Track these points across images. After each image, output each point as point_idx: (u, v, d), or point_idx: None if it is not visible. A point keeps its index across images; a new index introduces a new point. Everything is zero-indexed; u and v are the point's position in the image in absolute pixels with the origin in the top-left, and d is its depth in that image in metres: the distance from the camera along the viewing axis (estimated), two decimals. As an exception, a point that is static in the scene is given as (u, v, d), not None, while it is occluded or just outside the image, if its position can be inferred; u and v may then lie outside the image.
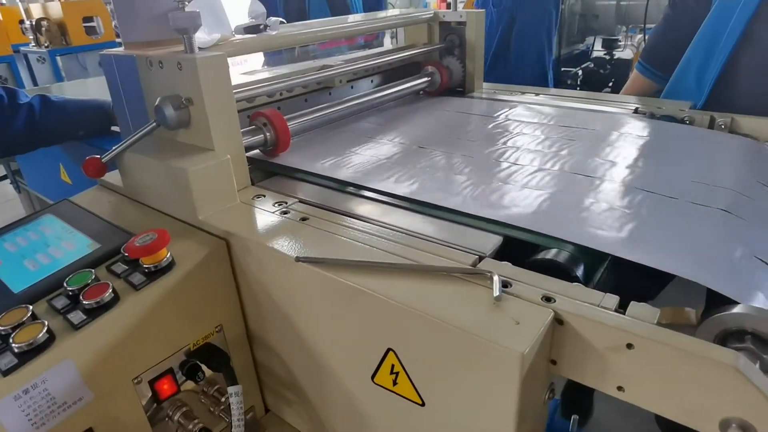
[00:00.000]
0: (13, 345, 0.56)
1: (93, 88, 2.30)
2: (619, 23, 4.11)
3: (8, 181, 2.36)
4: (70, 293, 0.64)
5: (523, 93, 1.43)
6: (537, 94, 1.41)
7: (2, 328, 0.58)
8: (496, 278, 0.54)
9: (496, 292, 0.52)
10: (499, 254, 0.65)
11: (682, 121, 1.15)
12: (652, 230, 0.66)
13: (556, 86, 2.88)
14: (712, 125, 1.12)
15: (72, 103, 1.38)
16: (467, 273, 0.57)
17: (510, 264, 0.59)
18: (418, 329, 0.53)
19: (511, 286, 0.55)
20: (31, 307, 0.61)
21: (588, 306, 0.51)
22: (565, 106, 1.27)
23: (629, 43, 4.30)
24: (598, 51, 4.16)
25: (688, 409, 0.48)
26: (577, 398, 2.07)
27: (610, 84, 3.89)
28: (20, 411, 0.55)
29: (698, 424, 0.47)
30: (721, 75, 1.16)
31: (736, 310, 0.53)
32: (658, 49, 1.48)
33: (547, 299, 0.53)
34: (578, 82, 3.70)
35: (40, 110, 1.30)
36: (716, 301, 0.55)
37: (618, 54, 4.05)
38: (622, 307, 0.52)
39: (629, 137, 1.01)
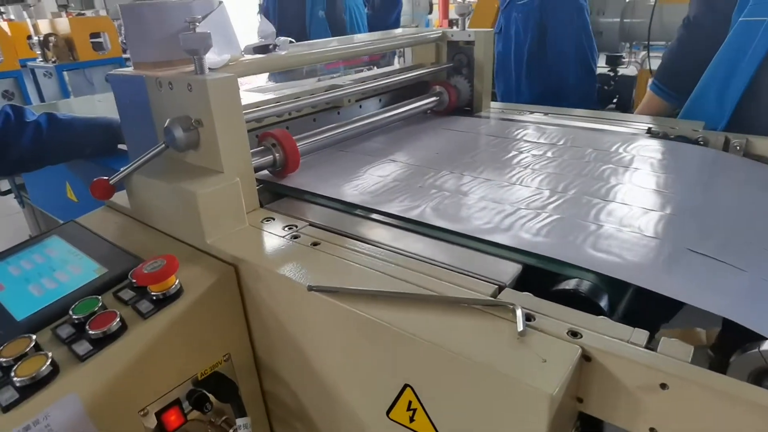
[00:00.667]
0: (15, 379, 0.54)
1: (100, 105, 2.30)
2: (623, 40, 4.12)
3: (12, 195, 2.36)
4: (76, 322, 0.62)
5: (532, 112, 1.42)
6: (546, 114, 1.39)
7: (4, 360, 0.56)
8: (519, 312, 0.52)
9: (520, 327, 0.50)
10: (518, 281, 0.63)
11: (696, 142, 1.13)
12: (679, 260, 0.64)
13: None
14: (726, 146, 1.10)
15: (79, 121, 1.37)
16: (488, 305, 0.55)
17: (531, 295, 0.57)
18: (439, 365, 0.51)
19: (534, 319, 0.53)
20: (34, 337, 0.59)
21: (617, 342, 0.49)
22: (578, 126, 1.25)
23: (633, 59, 4.32)
24: (602, 68, 4.17)
25: (726, 454, 0.45)
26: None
27: (615, 100, 3.89)
28: (21, 448, 0.53)
29: (737, 471, 0.45)
30: (744, 95, 1.14)
31: (773, 346, 0.51)
32: (672, 69, 1.46)
33: (574, 334, 0.50)
34: (583, 100, 3.70)
35: (47, 128, 1.29)
36: (732, 326, 0.53)
37: (622, 71, 4.06)
38: (652, 343, 0.50)
39: (645, 159, 1.00)
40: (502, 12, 2.36)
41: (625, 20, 3.97)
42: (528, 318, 0.53)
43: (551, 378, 0.45)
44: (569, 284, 0.60)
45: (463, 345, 0.49)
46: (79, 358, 0.58)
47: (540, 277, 0.65)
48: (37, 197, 1.86)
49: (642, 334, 0.50)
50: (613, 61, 4.14)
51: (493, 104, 1.49)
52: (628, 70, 4.18)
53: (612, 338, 0.50)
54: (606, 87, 4.16)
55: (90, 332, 0.59)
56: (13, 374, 0.54)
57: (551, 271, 0.64)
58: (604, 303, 0.59)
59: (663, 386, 0.46)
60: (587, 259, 0.63)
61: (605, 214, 0.76)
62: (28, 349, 0.57)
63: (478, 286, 0.59)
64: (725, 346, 0.58)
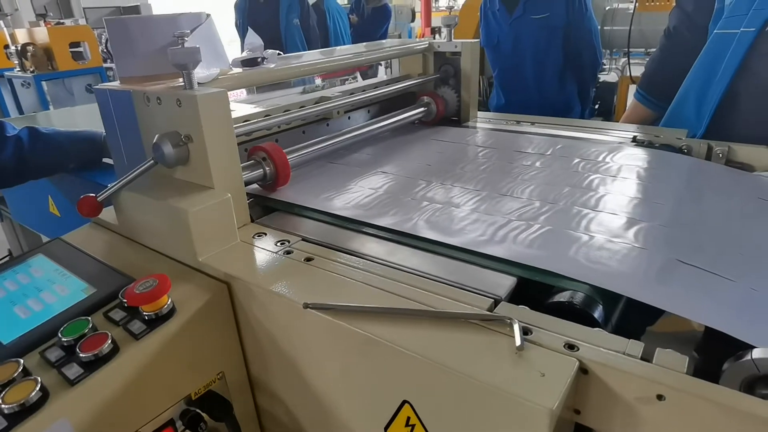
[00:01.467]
0: (3, 406, 0.52)
1: (80, 117, 2.26)
2: (604, 47, 4.20)
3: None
4: (65, 344, 0.60)
5: (519, 122, 1.43)
6: (533, 123, 1.41)
7: (-8, 386, 0.55)
8: (516, 326, 0.52)
9: (518, 341, 0.50)
10: (516, 299, 0.63)
11: (680, 150, 1.16)
12: (670, 272, 0.65)
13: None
14: (709, 154, 1.13)
15: (62, 135, 1.34)
16: (485, 320, 0.55)
17: (527, 308, 0.58)
18: (437, 381, 0.51)
19: (531, 333, 0.53)
20: (22, 361, 0.58)
21: (613, 354, 0.50)
22: (565, 136, 1.27)
23: (614, 66, 4.40)
24: (583, 75, 4.23)
25: (723, 464, 0.46)
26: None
27: (596, 106, 3.96)
28: (10, 478, 0.51)
29: (735, 480, 0.45)
30: (721, 104, 1.18)
31: (764, 354, 0.52)
32: (655, 78, 1.50)
33: (571, 347, 0.51)
34: (567, 105, 3.76)
35: (29, 143, 1.26)
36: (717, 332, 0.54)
37: (603, 77, 4.13)
38: (647, 355, 0.51)
39: (632, 168, 1.01)
40: (508, 24, 2.41)
41: (605, 27, 4.04)
42: (525, 332, 0.53)
43: (551, 392, 0.45)
44: (564, 296, 0.61)
45: (462, 361, 0.49)
46: (69, 383, 0.56)
47: (533, 289, 0.65)
48: (17, 211, 1.82)
49: (637, 346, 0.51)
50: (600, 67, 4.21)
51: (480, 114, 1.50)
52: (609, 76, 4.26)
53: (608, 350, 0.50)
54: (588, 94, 4.22)
55: (81, 355, 0.58)
56: (0, 401, 0.52)
57: (545, 284, 0.64)
58: (598, 314, 0.59)
59: (660, 397, 0.46)
60: (581, 270, 0.64)
61: (596, 224, 0.77)
62: (16, 374, 0.56)
63: (474, 300, 0.60)
64: (711, 351, 0.59)
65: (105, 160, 1.39)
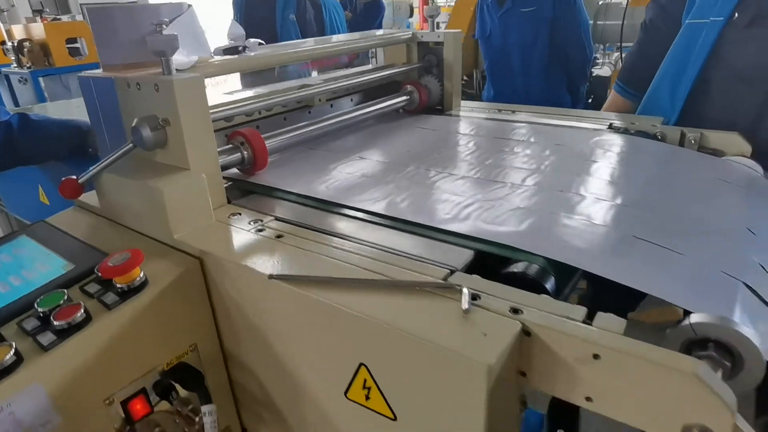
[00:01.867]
0: (-22, 369, 0.55)
1: (76, 110, 2.29)
2: (597, 42, 4.22)
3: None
4: (41, 314, 0.63)
5: (500, 110, 1.46)
6: (513, 112, 1.44)
7: (-31, 351, 0.58)
8: (465, 291, 0.55)
9: (465, 305, 0.53)
10: (473, 269, 0.66)
11: (654, 137, 1.18)
12: (619, 246, 0.68)
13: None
14: (683, 140, 1.15)
15: (51, 122, 1.37)
16: (438, 287, 0.58)
17: (479, 277, 0.60)
18: (389, 343, 0.54)
19: (480, 298, 0.56)
20: None
21: (555, 317, 0.52)
22: (544, 123, 1.29)
23: (607, 60, 4.42)
24: (577, 69, 4.25)
25: (653, 417, 0.48)
26: (564, 412, 2.07)
27: (590, 100, 3.98)
28: (-15, 436, 0.54)
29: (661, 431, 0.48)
30: (692, 92, 1.21)
31: (700, 319, 0.54)
32: (633, 70, 1.53)
33: (515, 311, 0.53)
34: (559, 99, 3.79)
35: (18, 128, 1.29)
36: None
37: (596, 71, 4.16)
38: (590, 319, 0.53)
39: (603, 153, 1.04)
40: (498, 17, 2.45)
41: (598, 22, 4.06)
42: (474, 297, 0.56)
43: (490, 350, 0.48)
44: (517, 267, 0.63)
45: (411, 324, 0.52)
46: (43, 348, 0.59)
47: (496, 263, 0.68)
48: (9, 202, 1.85)
49: (580, 311, 0.54)
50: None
51: (465, 103, 1.53)
52: (602, 70, 4.27)
53: (550, 314, 0.53)
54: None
55: (54, 323, 0.61)
56: (-24, 364, 0.55)
57: (506, 257, 0.67)
58: (550, 285, 0.62)
59: (596, 357, 0.49)
60: (536, 244, 0.66)
61: (560, 204, 0.80)
62: (-8, 341, 0.59)
63: (432, 271, 0.62)
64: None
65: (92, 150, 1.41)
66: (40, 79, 4.48)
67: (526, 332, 0.52)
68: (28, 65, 4.46)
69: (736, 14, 1.13)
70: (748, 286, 0.64)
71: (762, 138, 1.07)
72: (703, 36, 1.17)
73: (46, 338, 0.60)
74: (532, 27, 2.38)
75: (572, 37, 2.41)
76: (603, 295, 0.67)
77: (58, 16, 5.57)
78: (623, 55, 3.35)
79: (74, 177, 0.85)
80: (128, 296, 0.65)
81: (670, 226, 0.75)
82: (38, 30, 4.47)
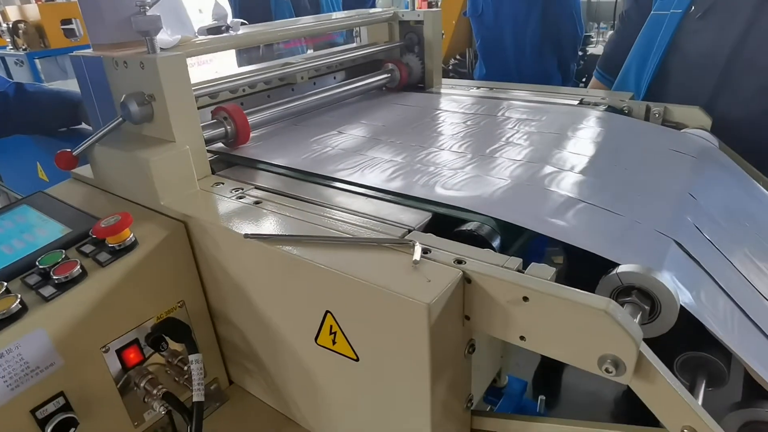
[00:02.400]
0: (-12, 316, 0.62)
1: (74, 89, 2.34)
2: (591, 20, 4.23)
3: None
4: (42, 271, 0.71)
5: (479, 87, 1.51)
6: (491, 89, 1.49)
7: (-22, 303, 0.65)
8: (417, 246, 0.62)
9: (416, 257, 0.60)
10: (431, 230, 0.73)
11: (621, 111, 1.24)
12: (562, 207, 0.75)
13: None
14: (648, 114, 1.21)
15: (45, 92, 1.39)
16: (395, 243, 0.65)
17: (433, 235, 0.67)
18: (349, 291, 0.61)
19: (430, 252, 0.63)
20: (6, 284, 0.68)
21: (492, 266, 0.59)
22: (516, 99, 1.35)
23: (601, 39, 4.43)
24: (571, 48, 4.27)
25: (574, 351, 0.56)
26: (546, 380, 2.17)
27: (584, 79, 4.01)
28: (-4, 373, 0.62)
29: (582, 363, 0.55)
30: (654, 78, 1.32)
31: (625, 269, 0.62)
32: (612, 57, 1.62)
33: (459, 261, 0.60)
34: (553, 78, 3.81)
35: (14, 97, 1.33)
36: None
37: (590, 50, 4.17)
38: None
39: (569, 126, 1.10)
40: None
41: (592, 0, 4.07)
42: (425, 251, 0.63)
43: (430, 292, 0.55)
44: (467, 226, 0.70)
45: (367, 273, 0.59)
46: (44, 299, 0.66)
47: (452, 226, 0.74)
48: (9, 179, 1.92)
49: (515, 261, 0.61)
50: (582, 41, 4.25)
51: (444, 81, 1.58)
52: (596, 49, 4.29)
53: (489, 264, 0.60)
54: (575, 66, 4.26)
55: (54, 277, 0.68)
56: (-14, 312, 0.63)
57: (461, 219, 0.74)
58: (496, 243, 0.69)
59: (525, 299, 0.56)
60: (485, 207, 0.73)
61: (516, 172, 0.87)
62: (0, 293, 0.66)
63: (392, 231, 0.69)
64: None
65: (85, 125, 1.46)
66: (36, 60, 4.49)
67: (467, 279, 0.59)
68: (23, 47, 4.47)
69: (693, 7, 1.23)
70: (678, 243, 0.71)
71: (715, 118, 1.15)
72: (664, 26, 1.28)
73: (47, 291, 0.67)
74: (524, 5, 2.41)
75: (564, 14, 2.44)
76: (578, 269, 0.74)
77: (52, -3, 5.55)
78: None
79: (69, 150, 0.92)
80: (119, 255, 0.73)
81: (614, 190, 0.82)
82: (33, 11, 4.47)
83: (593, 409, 2.09)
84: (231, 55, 1.63)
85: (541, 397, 1.43)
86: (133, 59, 0.85)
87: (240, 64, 1.96)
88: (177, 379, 0.81)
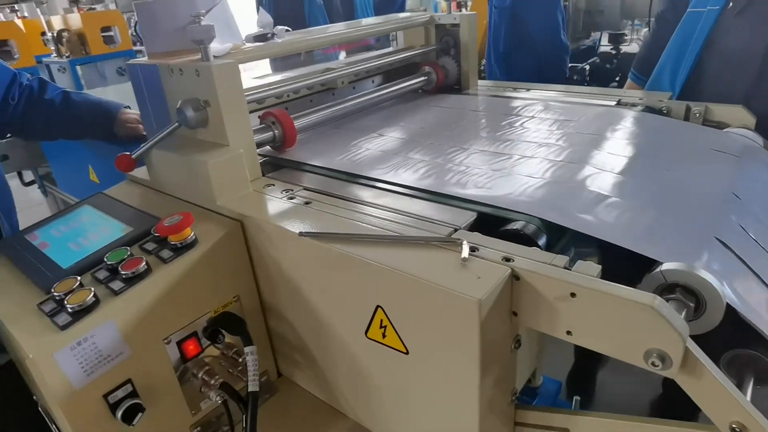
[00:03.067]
0: (68, 306, 0.68)
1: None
2: (625, 18, 4.17)
3: (36, 186, 2.52)
4: (110, 267, 0.76)
5: (516, 89, 1.52)
6: (528, 90, 1.50)
7: (57, 294, 0.70)
8: (464, 244, 0.64)
9: (464, 254, 0.63)
10: (476, 229, 0.75)
11: (660, 111, 1.24)
12: (603, 207, 0.76)
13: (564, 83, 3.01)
14: (688, 114, 1.21)
15: (87, 103, 1.46)
16: (442, 241, 0.68)
17: (479, 234, 0.70)
18: (400, 287, 0.64)
19: (478, 250, 0.65)
20: (79, 278, 0.73)
21: (540, 264, 0.61)
22: (553, 100, 1.36)
23: (635, 37, 4.35)
24: (605, 46, 4.22)
25: (620, 345, 0.57)
26: (580, 380, 2.16)
27: (617, 78, 3.95)
28: (75, 360, 0.67)
29: (627, 356, 0.57)
30: (690, 76, 1.32)
31: (669, 266, 0.63)
32: (646, 59, 1.62)
33: (507, 259, 0.63)
34: (586, 78, 3.77)
35: (60, 104, 1.40)
36: None
37: (624, 48, 4.11)
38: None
39: (607, 128, 1.11)
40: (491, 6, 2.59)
41: (626, -3, 3.99)
42: (473, 249, 0.65)
43: (481, 288, 0.57)
44: (514, 225, 0.72)
45: (418, 270, 0.62)
46: (114, 293, 0.72)
47: (497, 225, 0.77)
48: (62, 181, 2.02)
49: (562, 259, 0.63)
50: (615, 40, 4.19)
51: (480, 82, 1.60)
52: (630, 47, 4.21)
53: (537, 261, 0.62)
54: (608, 66, 4.21)
55: (122, 273, 0.73)
56: (66, 303, 0.68)
57: (505, 219, 0.76)
58: (541, 241, 0.71)
59: (573, 295, 0.58)
60: (529, 207, 0.75)
61: (559, 173, 0.88)
62: (75, 286, 0.71)
63: (438, 229, 0.72)
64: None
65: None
66: (77, 67, 4.68)
67: (515, 276, 0.61)
68: (66, 54, 4.66)
69: (730, 3, 1.23)
70: (722, 242, 0.72)
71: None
72: (701, 23, 1.28)
73: (116, 285, 0.72)
74: (498, 17, 2.56)
75: (533, 26, 2.54)
76: (613, 269, 0.75)
77: (93, 6, 5.77)
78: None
79: (128, 153, 0.97)
80: (181, 252, 0.77)
81: (656, 191, 0.82)
82: (75, 20, 4.66)
83: (628, 412, 2.08)
84: (265, 61, 1.68)
85: (576, 398, 1.43)
86: (189, 67, 0.90)
87: (275, 70, 2.02)
88: (231, 370, 0.86)
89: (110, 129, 1.47)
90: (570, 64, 3.76)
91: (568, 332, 0.61)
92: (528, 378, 1.07)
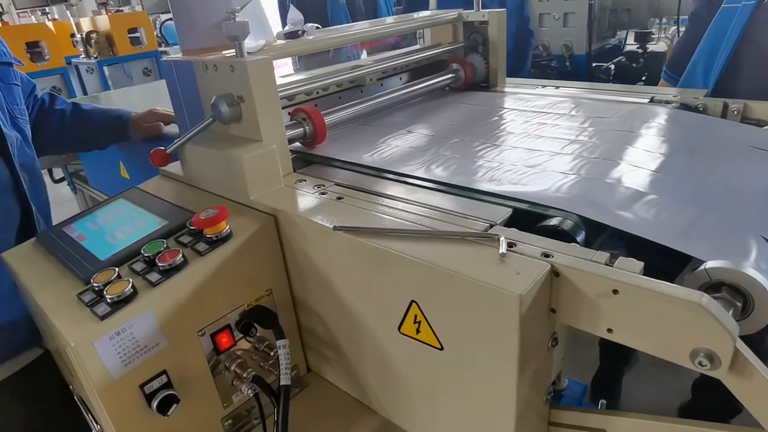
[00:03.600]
0: (107, 296, 0.69)
1: (137, 95, 2.49)
2: (652, 16, 4.09)
3: (66, 183, 2.58)
4: (147, 259, 0.77)
5: (544, 86, 1.51)
6: (557, 87, 1.48)
7: (96, 285, 0.72)
8: (502, 239, 0.64)
9: (502, 250, 0.62)
10: (513, 225, 0.74)
11: (695, 109, 1.21)
12: (642, 204, 0.74)
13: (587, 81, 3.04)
14: (725, 111, 1.18)
15: (97, 112, 1.49)
16: (478, 236, 0.67)
17: (516, 230, 0.69)
18: (436, 282, 0.63)
19: (515, 246, 0.65)
20: (117, 270, 0.75)
21: (581, 260, 0.60)
22: (584, 97, 1.34)
23: (663, 35, 4.27)
24: (631, 45, 4.15)
25: (665, 344, 0.56)
26: (606, 384, 2.13)
27: (644, 78, 3.88)
28: (114, 350, 0.68)
29: (673, 356, 0.56)
30: (724, 72, 1.30)
31: (714, 264, 0.61)
32: (680, 58, 1.59)
33: (546, 255, 0.62)
34: (611, 77, 3.72)
35: (70, 117, 1.43)
36: None
37: (651, 47, 4.03)
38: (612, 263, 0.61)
39: (643, 125, 1.08)
40: None
41: (653, -7, 3.92)
42: (510, 245, 0.64)
43: (521, 284, 0.57)
44: (551, 221, 0.71)
45: (454, 264, 0.62)
46: (151, 284, 0.73)
47: (532, 221, 0.76)
48: (94, 178, 2.06)
49: (603, 255, 0.61)
50: (642, 38, 4.12)
51: (508, 80, 1.58)
52: (657, 46, 4.13)
53: (577, 257, 0.61)
54: (634, 65, 4.14)
55: (159, 265, 0.74)
56: (105, 293, 0.69)
57: (541, 214, 0.75)
58: (580, 238, 0.70)
59: (615, 292, 0.57)
60: (566, 203, 0.74)
61: (594, 169, 0.87)
62: (113, 278, 0.73)
63: (473, 225, 0.71)
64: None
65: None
66: (105, 68, 4.78)
67: (555, 273, 0.60)
68: (95, 55, 4.77)
69: None
70: (766, 239, 0.70)
71: None
72: (736, 19, 1.26)
73: (153, 276, 0.73)
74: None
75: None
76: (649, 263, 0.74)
77: (120, 8, 5.89)
78: (680, 30, 3.29)
79: (163, 148, 0.99)
80: (216, 245, 0.78)
81: (696, 189, 0.80)
82: (104, 22, 4.76)
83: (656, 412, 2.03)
84: (288, 61, 1.69)
85: (603, 401, 1.40)
86: (223, 63, 0.91)
87: (299, 68, 2.04)
88: (262, 364, 0.86)
89: (124, 132, 1.49)
90: (594, 64, 3.72)
91: (609, 330, 0.60)
92: (553, 380, 1.06)
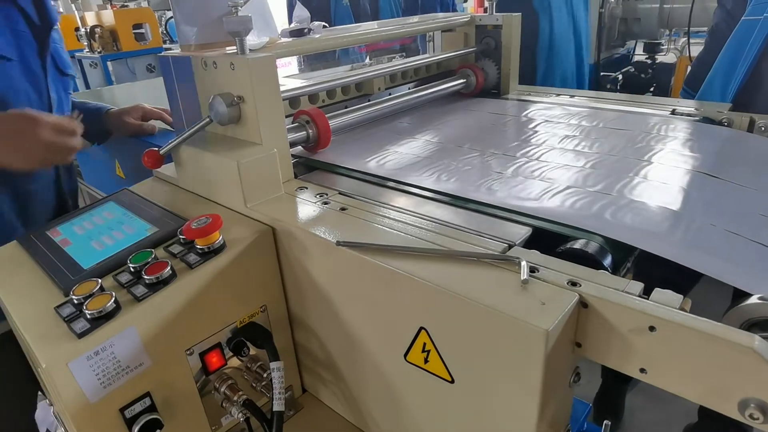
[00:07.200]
0: (86, 312, 0.62)
1: (140, 90, 2.43)
2: (662, 27, 4.03)
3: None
4: (133, 270, 0.70)
5: (558, 95, 1.44)
6: (572, 96, 1.42)
7: (76, 298, 0.65)
8: (523, 263, 0.57)
9: (524, 276, 0.56)
10: (530, 245, 0.68)
11: (720, 123, 1.15)
12: (677, 227, 0.68)
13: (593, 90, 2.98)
14: (752, 127, 1.11)
15: (77, 105, 1.37)
16: (497, 259, 0.61)
17: (538, 252, 0.63)
18: (450, 308, 0.57)
19: (538, 271, 0.58)
20: (100, 281, 0.68)
21: (612, 291, 0.54)
22: (601, 108, 1.28)
23: (673, 47, 4.21)
24: (640, 55, 4.10)
25: (709, 391, 0.50)
26: (609, 404, 2.06)
27: (652, 89, 3.82)
28: (91, 371, 0.62)
29: (718, 405, 0.49)
30: (742, 87, 1.26)
31: (761, 300, 0.55)
32: (700, 74, 1.53)
33: (573, 284, 0.55)
34: (618, 87, 3.66)
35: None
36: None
37: (660, 58, 3.98)
38: (646, 294, 0.55)
39: (665, 138, 1.02)
40: None
41: (664, 5, 3.88)
42: (532, 270, 0.58)
43: (548, 317, 0.50)
44: (576, 243, 0.65)
45: (471, 290, 0.55)
46: (136, 299, 0.66)
47: (555, 241, 0.69)
48: (89, 176, 2.00)
49: (637, 285, 0.55)
50: (651, 49, 4.07)
51: (520, 87, 1.52)
52: (666, 57, 4.08)
53: (608, 287, 0.55)
54: (643, 75, 4.09)
55: (145, 278, 0.68)
56: (84, 308, 0.63)
57: (564, 236, 0.69)
58: (607, 262, 0.63)
59: (651, 329, 0.51)
60: (593, 223, 0.68)
61: (617, 186, 0.80)
62: (95, 290, 0.66)
63: (491, 245, 0.65)
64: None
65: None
66: (108, 62, 4.73)
67: (583, 304, 0.54)
68: (98, 50, 4.71)
69: None
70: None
71: None
72: (756, 31, 1.21)
73: (139, 290, 0.67)
74: None
75: None
76: (658, 276, 0.68)
77: (126, 3, 5.84)
78: (691, 41, 3.23)
79: (156, 149, 0.92)
80: (208, 257, 0.72)
81: (732, 209, 0.74)
82: (108, 16, 4.71)
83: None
84: (292, 60, 1.63)
85: (606, 422, 1.34)
86: (223, 60, 0.85)
87: (303, 69, 1.98)
88: (254, 384, 0.80)
89: (101, 125, 1.39)
90: (602, 73, 3.67)
91: (642, 370, 0.53)
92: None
